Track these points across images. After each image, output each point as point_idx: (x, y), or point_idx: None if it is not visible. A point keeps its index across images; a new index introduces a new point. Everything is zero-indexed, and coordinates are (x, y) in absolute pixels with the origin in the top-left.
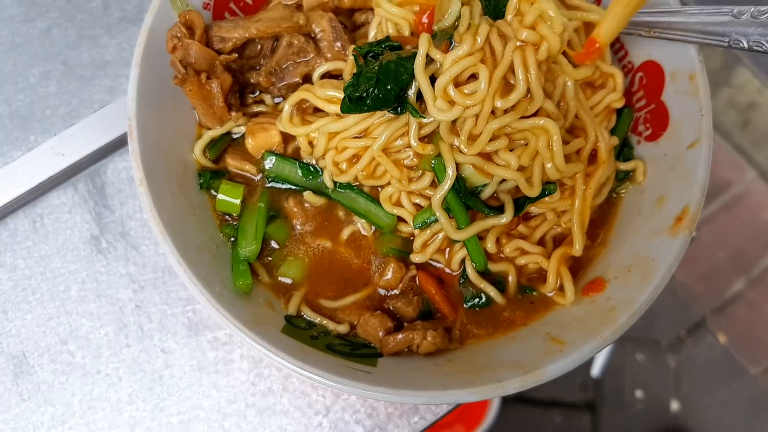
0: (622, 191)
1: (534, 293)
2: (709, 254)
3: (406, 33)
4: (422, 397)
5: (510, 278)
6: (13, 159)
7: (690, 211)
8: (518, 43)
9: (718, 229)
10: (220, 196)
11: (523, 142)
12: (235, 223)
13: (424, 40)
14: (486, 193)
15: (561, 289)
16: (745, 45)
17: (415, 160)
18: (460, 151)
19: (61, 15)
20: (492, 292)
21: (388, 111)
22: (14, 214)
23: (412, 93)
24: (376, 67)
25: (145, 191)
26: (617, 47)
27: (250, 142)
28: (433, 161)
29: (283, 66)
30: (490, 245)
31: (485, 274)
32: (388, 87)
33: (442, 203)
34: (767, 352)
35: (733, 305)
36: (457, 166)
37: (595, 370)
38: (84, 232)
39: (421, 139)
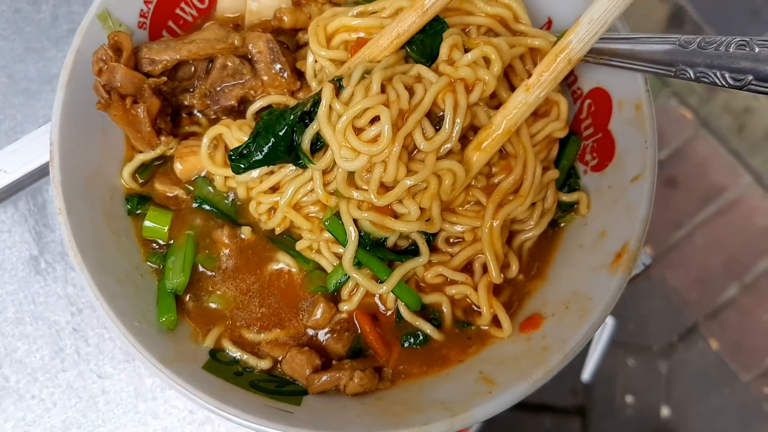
0: (563, 223)
1: (471, 327)
2: (703, 259)
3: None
4: None
5: (445, 310)
6: None
7: (629, 248)
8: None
9: (713, 234)
10: (147, 223)
11: (424, 185)
12: (162, 251)
13: (327, 90)
14: (390, 241)
15: (497, 322)
16: (692, 75)
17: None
18: (358, 208)
19: (8, 26)
20: (428, 329)
21: (295, 165)
22: None
23: (305, 142)
24: (260, 123)
25: (64, 221)
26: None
27: (178, 167)
28: (326, 221)
29: (218, 88)
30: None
31: (421, 309)
32: (269, 139)
33: (353, 262)
34: (759, 358)
35: (726, 311)
36: (356, 220)
37: (586, 374)
38: (23, 252)
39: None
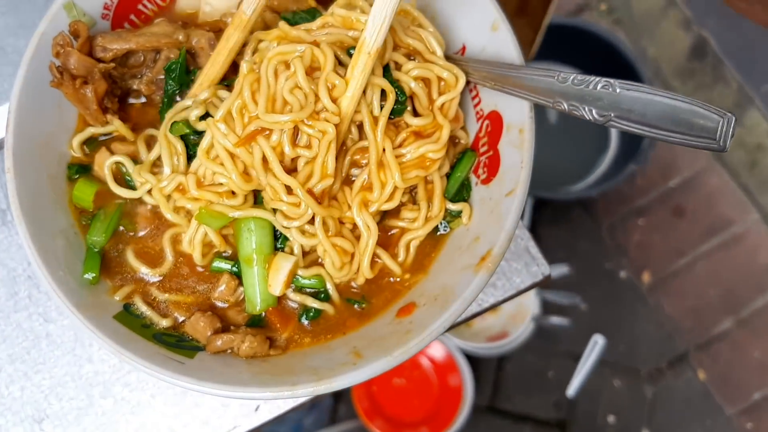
0: (451, 227)
1: (356, 304)
2: (701, 290)
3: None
4: (221, 390)
5: (328, 285)
6: None
7: (492, 253)
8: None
9: (713, 267)
10: (75, 192)
11: None
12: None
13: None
14: None
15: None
16: (566, 108)
17: None
18: None
19: (5, 3)
20: (316, 304)
21: None
22: None
23: None
24: None
25: (11, 178)
26: (474, 94)
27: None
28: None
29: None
30: None
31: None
32: None
33: None
34: (745, 394)
35: (717, 343)
36: None
37: (571, 390)
38: None
39: None
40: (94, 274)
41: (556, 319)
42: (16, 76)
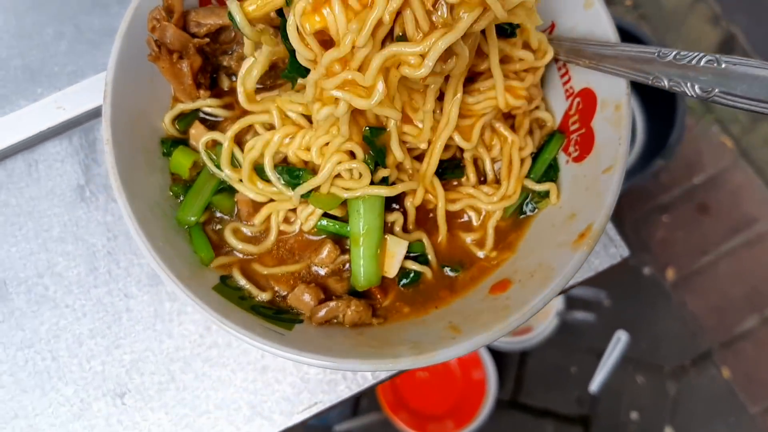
0: (539, 208)
1: (451, 271)
2: (725, 288)
3: None
4: (322, 361)
5: (427, 248)
6: (19, 107)
7: (593, 229)
8: None
9: (737, 265)
10: (174, 158)
11: None
12: (188, 185)
13: None
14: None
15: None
16: (666, 84)
17: None
18: None
19: None
20: (415, 266)
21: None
22: (13, 158)
23: None
24: None
25: (109, 150)
26: (563, 72)
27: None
28: None
29: None
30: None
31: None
32: None
33: None
34: None
35: (741, 342)
36: None
37: (594, 386)
38: (72, 181)
39: None
40: (209, 254)
41: (580, 314)
42: (91, 54)
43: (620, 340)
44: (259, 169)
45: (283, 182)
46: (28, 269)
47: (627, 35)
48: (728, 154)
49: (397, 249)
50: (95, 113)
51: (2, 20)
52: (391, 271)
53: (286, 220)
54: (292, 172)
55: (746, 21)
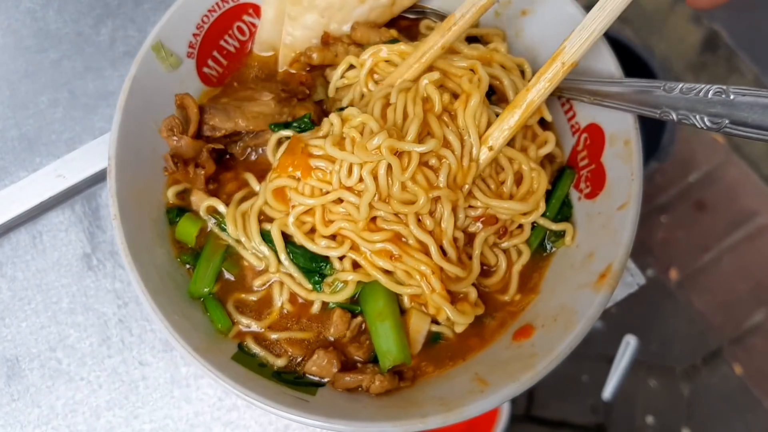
0: (555, 248)
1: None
2: (730, 285)
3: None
4: (351, 427)
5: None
6: (19, 179)
7: (613, 269)
8: None
9: (740, 260)
10: (179, 228)
11: None
12: (194, 253)
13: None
14: None
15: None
16: (674, 117)
17: None
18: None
19: (71, 47)
20: (439, 328)
21: None
22: (17, 230)
23: None
24: None
25: (118, 225)
26: (567, 108)
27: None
28: None
29: (260, 150)
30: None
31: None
32: None
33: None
34: None
35: (751, 337)
36: None
37: (607, 393)
38: (77, 250)
39: None
40: (227, 324)
41: None
42: (87, 119)
43: (629, 344)
44: (265, 235)
45: (295, 265)
46: (40, 344)
47: (610, 41)
48: (721, 150)
49: (421, 324)
50: (96, 179)
51: None
52: (417, 347)
53: (292, 299)
54: (315, 258)
55: (727, 17)
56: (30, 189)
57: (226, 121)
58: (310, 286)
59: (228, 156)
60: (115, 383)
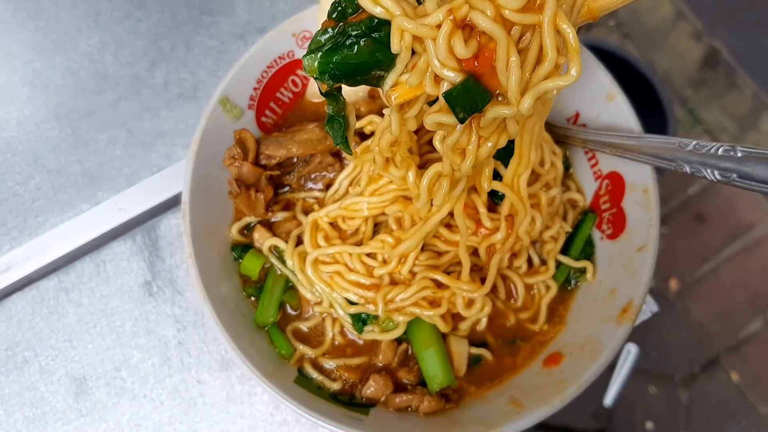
0: (578, 283)
1: (512, 343)
2: (727, 294)
3: None
4: None
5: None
6: (82, 211)
7: (633, 305)
8: None
9: (737, 271)
10: (244, 264)
11: None
12: (259, 285)
13: None
14: None
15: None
16: (688, 170)
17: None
18: None
19: (128, 89)
20: (478, 351)
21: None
22: (82, 259)
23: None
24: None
25: (193, 263)
26: (590, 156)
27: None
28: None
29: (312, 176)
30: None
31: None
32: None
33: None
34: None
35: (747, 345)
36: None
37: (608, 400)
38: (139, 278)
39: None
40: (291, 350)
41: None
42: (145, 156)
43: (630, 352)
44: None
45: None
46: (105, 364)
47: (612, 57)
48: None
49: (460, 348)
50: (154, 212)
51: (59, 130)
52: (462, 369)
53: (343, 332)
54: (357, 315)
55: (728, 35)
56: (92, 221)
57: (279, 149)
58: (356, 333)
59: (286, 189)
60: (176, 400)
